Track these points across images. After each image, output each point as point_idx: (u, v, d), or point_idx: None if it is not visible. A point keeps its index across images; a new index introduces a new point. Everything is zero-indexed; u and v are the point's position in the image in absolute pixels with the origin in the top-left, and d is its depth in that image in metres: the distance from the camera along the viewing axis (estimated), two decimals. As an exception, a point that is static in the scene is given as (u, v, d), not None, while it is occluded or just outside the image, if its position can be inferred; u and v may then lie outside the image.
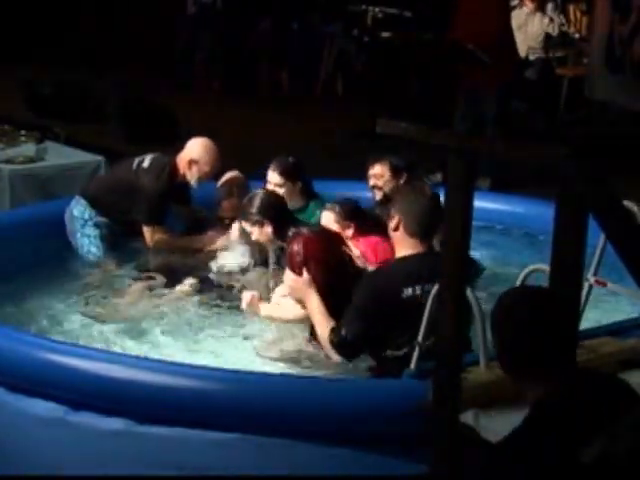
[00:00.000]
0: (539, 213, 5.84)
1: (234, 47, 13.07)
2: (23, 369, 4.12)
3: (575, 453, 2.56)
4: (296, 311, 4.86)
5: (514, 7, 11.14)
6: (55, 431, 4.02)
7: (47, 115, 10.45)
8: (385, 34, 11.31)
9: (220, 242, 5.83)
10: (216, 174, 5.94)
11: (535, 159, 3.28)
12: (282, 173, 5.60)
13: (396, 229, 4.46)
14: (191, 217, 6.14)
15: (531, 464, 2.58)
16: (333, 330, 4.47)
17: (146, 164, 5.85)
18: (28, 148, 7.45)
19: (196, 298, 5.40)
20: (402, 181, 5.58)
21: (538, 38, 11.18)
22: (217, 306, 5.30)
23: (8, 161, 7.23)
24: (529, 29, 11.11)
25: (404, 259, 4.40)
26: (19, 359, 4.14)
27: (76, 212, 5.86)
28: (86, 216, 5.84)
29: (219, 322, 5.16)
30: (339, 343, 4.41)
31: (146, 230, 5.82)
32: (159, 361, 4.29)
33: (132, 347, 4.85)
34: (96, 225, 5.83)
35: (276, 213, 5.06)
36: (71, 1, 14.37)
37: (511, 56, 9.48)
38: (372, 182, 5.64)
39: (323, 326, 4.56)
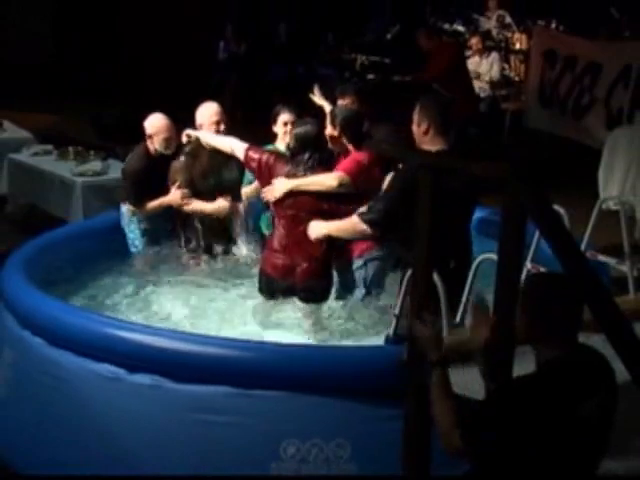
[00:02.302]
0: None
1: (254, 85, 13.08)
2: (90, 339, 4.15)
3: (573, 405, 2.55)
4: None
5: (468, 56, 11.14)
6: (114, 386, 4.05)
7: (109, 138, 10.42)
8: (370, 76, 11.32)
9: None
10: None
11: (487, 174, 3.28)
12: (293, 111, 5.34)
13: (426, 133, 4.18)
14: None
15: (537, 409, 2.55)
16: (367, 210, 4.15)
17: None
18: (96, 164, 7.42)
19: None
20: (364, 108, 5.31)
21: (486, 80, 11.16)
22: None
23: (80, 175, 7.22)
24: (479, 73, 11.08)
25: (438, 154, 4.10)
26: (88, 332, 4.17)
27: (123, 209, 5.58)
28: (129, 213, 5.55)
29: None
30: (372, 218, 4.12)
31: (127, 207, 5.48)
32: (194, 334, 4.31)
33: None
34: (139, 220, 5.52)
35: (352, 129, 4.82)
36: (126, 53, 14.35)
37: (469, 95, 9.47)
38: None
39: (346, 224, 4.30)
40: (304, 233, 4.56)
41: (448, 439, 2.62)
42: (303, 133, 4.70)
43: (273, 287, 4.75)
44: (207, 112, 5.38)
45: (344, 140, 4.82)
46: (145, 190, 5.42)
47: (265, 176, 4.76)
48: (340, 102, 5.36)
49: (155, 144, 5.42)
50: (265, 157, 4.79)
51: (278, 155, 4.85)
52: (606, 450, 2.68)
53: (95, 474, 3.96)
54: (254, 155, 4.82)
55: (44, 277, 4.99)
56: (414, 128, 4.28)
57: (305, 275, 4.65)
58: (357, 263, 4.81)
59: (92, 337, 4.13)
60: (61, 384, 4.18)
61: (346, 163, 4.70)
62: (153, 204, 5.44)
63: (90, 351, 4.11)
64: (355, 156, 4.76)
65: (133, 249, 5.62)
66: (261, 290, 4.83)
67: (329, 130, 4.84)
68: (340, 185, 4.56)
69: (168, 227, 5.61)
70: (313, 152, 4.67)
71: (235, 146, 4.96)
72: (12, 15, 14.55)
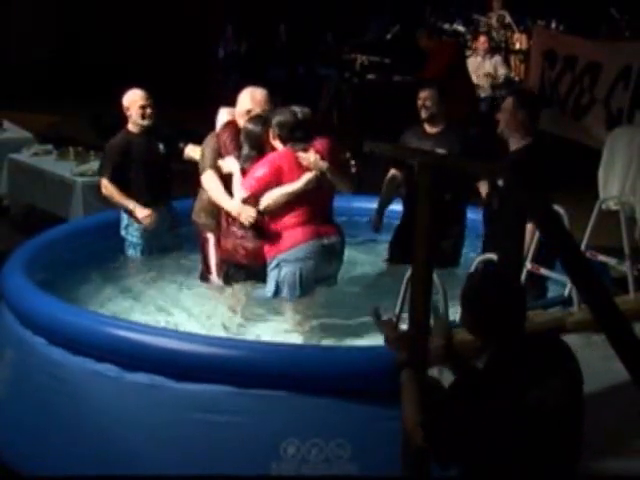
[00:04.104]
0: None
1: (254, 84, 13.05)
2: (91, 339, 4.16)
3: (518, 397, 2.55)
4: None
5: (469, 56, 11.13)
6: (114, 386, 4.05)
7: (109, 139, 10.39)
8: (370, 76, 11.31)
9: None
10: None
11: (486, 173, 3.30)
12: None
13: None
14: None
15: (483, 401, 2.57)
16: None
17: None
18: (96, 164, 7.39)
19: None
20: (444, 105, 5.38)
21: (487, 80, 11.15)
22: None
23: (80, 175, 7.21)
24: (480, 73, 11.08)
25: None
26: (88, 331, 4.18)
27: (123, 213, 5.59)
28: (128, 216, 5.54)
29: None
30: None
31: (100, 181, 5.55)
32: (192, 334, 4.33)
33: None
34: (138, 222, 5.51)
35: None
36: (126, 54, 14.34)
37: (468, 94, 9.47)
38: (421, 103, 5.38)
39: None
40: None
41: (412, 439, 2.69)
42: (248, 130, 4.87)
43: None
44: (258, 97, 5.10)
45: (277, 143, 4.82)
46: (123, 166, 5.49)
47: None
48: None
49: (133, 116, 5.53)
50: (229, 141, 4.96)
51: (236, 145, 4.94)
52: (578, 437, 2.67)
53: (95, 474, 3.95)
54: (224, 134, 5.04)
55: (44, 276, 4.98)
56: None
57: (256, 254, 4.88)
58: (271, 263, 4.79)
59: (92, 336, 4.13)
60: (61, 384, 4.17)
61: (250, 181, 4.75)
62: (121, 198, 5.46)
63: (90, 350, 4.11)
64: (261, 168, 4.77)
65: (131, 252, 5.59)
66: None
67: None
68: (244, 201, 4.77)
69: (166, 228, 5.60)
70: (252, 149, 4.81)
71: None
72: (13, 16, 14.56)
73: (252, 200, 4.73)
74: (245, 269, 4.98)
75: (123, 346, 4.04)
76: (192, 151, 5.56)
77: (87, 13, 14.86)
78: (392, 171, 5.62)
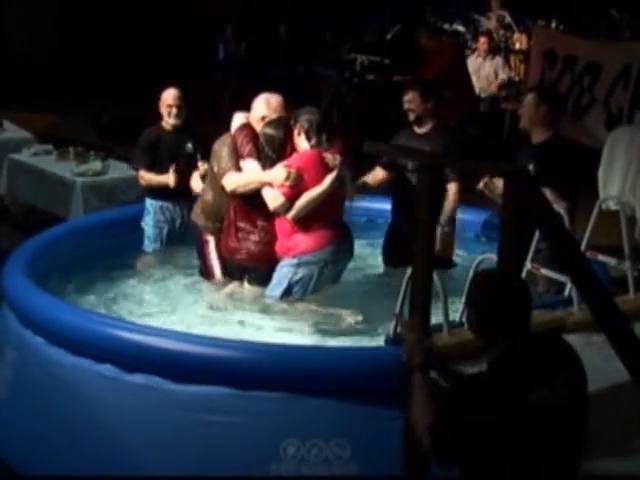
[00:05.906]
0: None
1: (254, 85, 13.06)
2: (90, 339, 4.15)
3: (523, 396, 2.55)
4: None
5: (468, 56, 11.13)
6: (114, 386, 4.05)
7: (110, 139, 10.42)
8: (370, 76, 11.32)
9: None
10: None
11: (486, 174, 3.30)
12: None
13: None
14: None
15: (488, 401, 2.58)
16: None
17: None
18: (96, 164, 7.42)
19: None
20: (430, 105, 5.33)
21: (488, 80, 11.16)
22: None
23: (80, 175, 7.22)
24: (481, 74, 11.09)
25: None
26: (88, 331, 4.17)
27: (147, 203, 5.70)
28: (147, 205, 5.68)
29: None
30: None
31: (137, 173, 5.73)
32: (188, 334, 4.30)
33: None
34: (154, 212, 5.61)
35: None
36: (125, 54, 14.36)
37: (469, 94, 9.48)
38: (406, 106, 5.36)
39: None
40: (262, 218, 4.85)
41: (421, 442, 2.69)
42: (269, 134, 4.84)
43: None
44: (274, 103, 5.08)
45: (302, 140, 4.84)
46: (152, 159, 5.67)
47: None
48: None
49: (163, 113, 5.71)
50: (246, 141, 4.89)
51: (254, 146, 4.88)
52: (581, 437, 2.68)
53: (95, 474, 3.95)
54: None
55: (44, 276, 4.98)
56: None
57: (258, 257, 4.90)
58: (291, 261, 4.78)
59: (92, 337, 4.12)
60: (61, 384, 4.17)
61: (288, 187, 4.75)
62: (158, 179, 5.63)
63: (90, 351, 4.10)
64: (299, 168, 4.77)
65: (146, 242, 5.67)
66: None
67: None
68: (274, 208, 4.75)
69: (181, 222, 5.65)
70: (272, 153, 4.79)
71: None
72: (14, 16, 14.58)
73: (288, 204, 4.72)
74: (241, 269, 4.97)
75: (123, 347, 4.03)
76: (195, 182, 5.53)
77: (87, 14, 14.87)
78: (378, 170, 5.52)
